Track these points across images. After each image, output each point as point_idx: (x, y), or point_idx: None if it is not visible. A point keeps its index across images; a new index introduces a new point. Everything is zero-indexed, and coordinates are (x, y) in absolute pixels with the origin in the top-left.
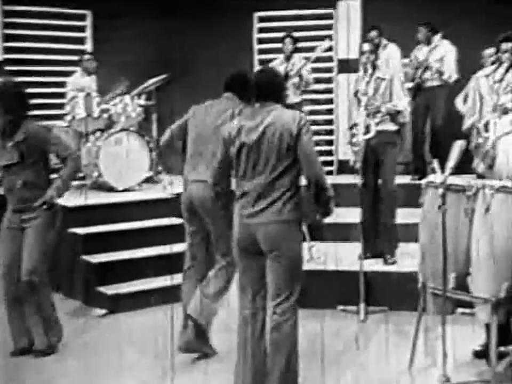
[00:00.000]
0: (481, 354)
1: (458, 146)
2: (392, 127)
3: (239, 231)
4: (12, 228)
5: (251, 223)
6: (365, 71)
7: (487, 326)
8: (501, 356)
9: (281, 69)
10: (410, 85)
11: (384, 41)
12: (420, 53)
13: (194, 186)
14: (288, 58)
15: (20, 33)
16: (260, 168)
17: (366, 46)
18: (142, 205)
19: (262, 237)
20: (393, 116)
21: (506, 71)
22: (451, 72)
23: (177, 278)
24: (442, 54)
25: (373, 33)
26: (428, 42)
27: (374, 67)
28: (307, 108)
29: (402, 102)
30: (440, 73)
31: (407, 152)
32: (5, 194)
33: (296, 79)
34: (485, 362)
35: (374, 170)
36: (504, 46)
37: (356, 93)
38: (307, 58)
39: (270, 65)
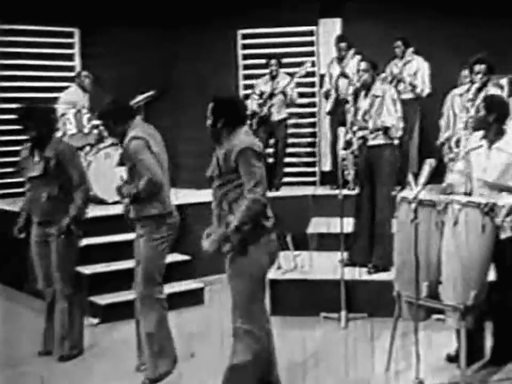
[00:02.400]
0: (454, 358)
1: (428, 164)
2: (384, 141)
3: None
4: (39, 242)
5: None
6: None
7: (458, 332)
8: (473, 360)
9: (266, 87)
10: None
11: (409, 53)
12: (395, 67)
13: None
14: (273, 78)
15: (9, 51)
16: None
17: (364, 65)
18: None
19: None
20: (385, 131)
21: (478, 91)
22: (424, 87)
23: (170, 287)
24: (415, 69)
25: (398, 43)
26: (402, 56)
27: (370, 85)
28: (291, 121)
29: (391, 118)
30: (413, 86)
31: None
32: (29, 207)
33: (280, 96)
34: (457, 366)
35: (369, 182)
36: (477, 68)
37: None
38: (291, 76)
39: (256, 82)
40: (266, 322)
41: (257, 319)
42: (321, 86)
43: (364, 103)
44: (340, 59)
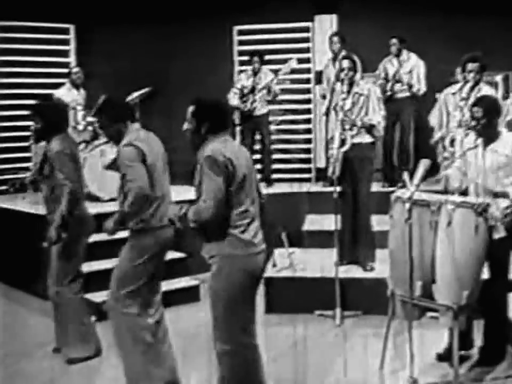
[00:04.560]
0: (444, 357)
1: (423, 164)
2: (367, 139)
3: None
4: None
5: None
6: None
7: (450, 331)
8: (462, 359)
9: (248, 82)
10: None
11: (405, 52)
12: (390, 65)
13: None
14: (255, 73)
15: (5, 47)
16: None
17: (346, 63)
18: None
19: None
20: (369, 129)
21: (471, 89)
22: (420, 85)
23: (165, 285)
24: (411, 67)
25: (394, 41)
26: (398, 54)
27: (352, 83)
28: (286, 117)
29: (377, 116)
30: (410, 85)
31: (378, 159)
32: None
33: (264, 92)
34: (448, 365)
35: (350, 180)
36: (470, 66)
37: (328, 109)
38: (275, 72)
39: (237, 79)
40: (249, 340)
41: (234, 340)
42: (317, 83)
43: (347, 101)
44: (335, 60)
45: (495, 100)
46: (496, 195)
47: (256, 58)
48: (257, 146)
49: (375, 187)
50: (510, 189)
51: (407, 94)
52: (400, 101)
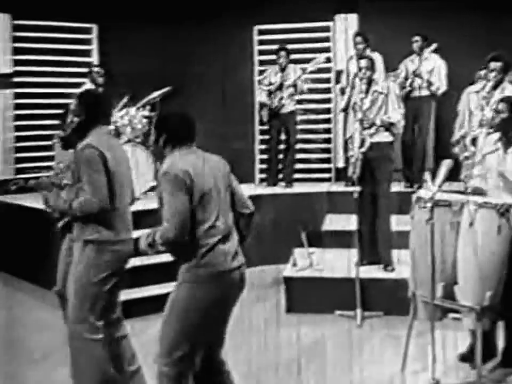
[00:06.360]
0: (466, 358)
1: (445, 165)
2: (386, 138)
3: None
4: None
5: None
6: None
7: (472, 332)
8: (484, 359)
9: (276, 79)
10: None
11: (427, 50)
12: (411, 63)
13: None
14: (283, 70)
15: (29, 47)
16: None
17: (363, 62)
18: (146, 213)
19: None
20: (387, 127)
21: (494, 88)
22: (440, 84)
23: (160, 288)
24: (432, 66)
25: (416, 38)
26: (419, 52)
27: (370, 82)
28: (306, 117)
29: (396, 115)
30: (430, 83)
31: (397, 159)
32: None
33: (291, 89)
34: (470, 366)
35: (370, 180)
36: (492, 65)
37: (347, 105)
38: (303, 70)
39: (264, 75)
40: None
41: (178, 366)
42: (337, 82)
43: (366, 100)
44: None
45: None
46: None
47: (283, 53)
48: (282, 146)
49: (396, 187)
50: None
51: (427, 92)
52: (419, 100)
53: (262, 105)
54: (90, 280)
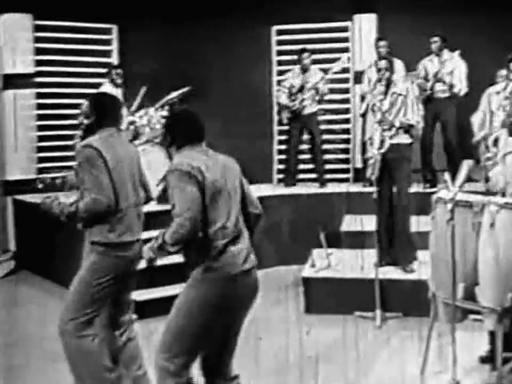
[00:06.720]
0: (487, 359)
1: (466, 165)
2: (405, 140)
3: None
4: None
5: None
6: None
7: (492, 333)
8: (505, 361)
9: (297, 81)
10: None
11: (446, 51)
12: (430, 64)
13: None
14: (305, 71)
15: (50, 47)
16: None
17: (382, 63)
18: (164, 214)
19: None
20: (407, 129)
21: None
22: (462, 86)
23: (164, 291)
24: (453, 67)
25: (435, 39)
26: (439, 53)
27: (389, 83)
28: (324, 117)
29: (415, 116)
30: (451, 85)
31: (416, 160)
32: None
33: (312, 91)
34: (490, 367)
35: (388, 181)
36: None
37: (365, 111)
38: (325, 72)
39: (286, 76)
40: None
41: (178, 361)
42: (355, 82)
43: (385, 102)
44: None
45: None
46: None
47: (306, 55)
48: (303, 146)
49: (415, 188)
50: None
51: (447, 94)
52: (440, 101)
53: (282, 107)
54: (90, 283)
